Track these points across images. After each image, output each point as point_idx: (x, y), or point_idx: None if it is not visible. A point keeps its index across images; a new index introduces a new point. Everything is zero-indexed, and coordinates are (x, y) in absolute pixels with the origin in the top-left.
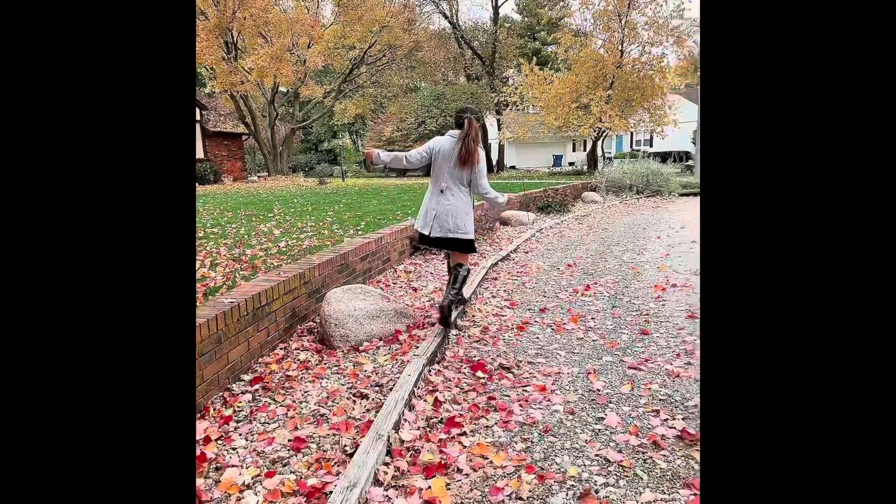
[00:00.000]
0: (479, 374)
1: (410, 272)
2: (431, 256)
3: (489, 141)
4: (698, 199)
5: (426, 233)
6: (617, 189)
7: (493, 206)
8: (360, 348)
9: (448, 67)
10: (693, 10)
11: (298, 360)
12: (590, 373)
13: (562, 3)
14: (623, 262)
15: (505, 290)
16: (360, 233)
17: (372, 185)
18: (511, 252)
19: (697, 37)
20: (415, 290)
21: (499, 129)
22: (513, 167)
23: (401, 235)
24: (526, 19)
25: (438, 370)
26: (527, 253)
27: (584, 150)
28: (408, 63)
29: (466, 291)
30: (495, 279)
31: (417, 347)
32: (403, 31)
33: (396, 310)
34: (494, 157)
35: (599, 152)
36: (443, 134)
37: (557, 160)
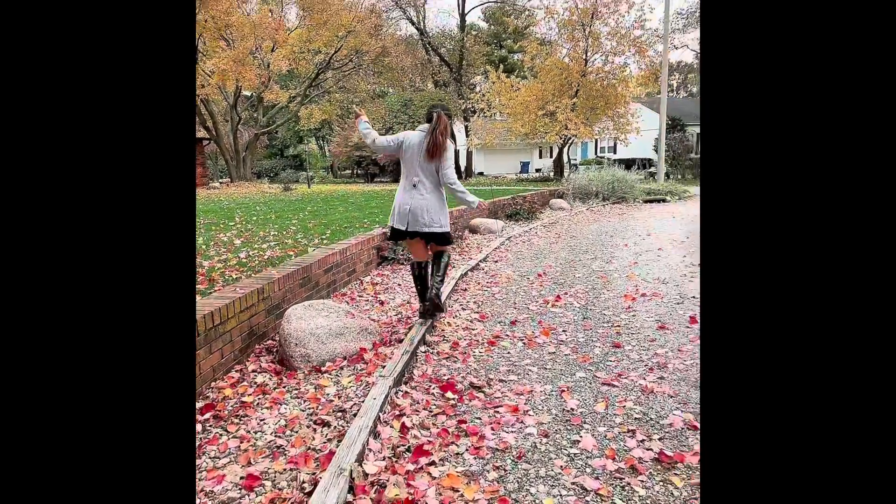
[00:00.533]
0: (449, 394)
1: (377, 284)
2: (399, 267)
3: (457, 147)
4: (662, 204)
5: (402, 227)
6: (584, 196)
7: (461, 202)
8: (323, 369)
9: (416, 73)
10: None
11: (255, 383)
12: (563, 390)
13: (527, 13)
14: (592, 271)
15: (475, 302)
16: (325, 242)
17: (339, 192)
18: (481, 261)
19: (659, 46)
20: (382, 303)
21: (467, 135)
22: (481, 173)
23: (367, 245)
24: (492, 27)
25: (406, 392)
26: (496, 262)
27: (551, 156)
28: (375, 68)
29: (445, 290)
30: (465, 290)
31: (384, 367)
32: (370, 37)
33: (362, 326)
34: (463, 163)
35: (566, 159)
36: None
37: (525, 166)
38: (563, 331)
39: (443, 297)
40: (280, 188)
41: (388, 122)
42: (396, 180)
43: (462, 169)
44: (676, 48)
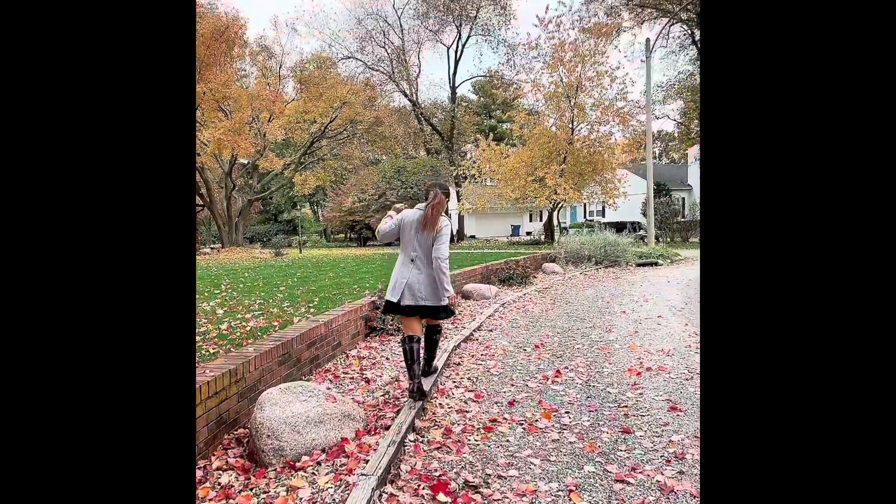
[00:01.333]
0: (441, 496)
1: (364, 358)
2: (388, 338)
3: (449, 211)
4: (654, 268)
5: (395, 300)
6: (576, 259)
7: (438, 280)
8: (298, 465)
9: (408, 142)
10: (634, 93)
11: (219, 484)
12: (571, 489)
13: (515, 86)
14: (592, 342)
15: (469, 378)
16: (312, 311)
17: (330, 257)
18: (474, 330)
19: (641, 117)
20: (368, 381)
21: (458, 200)
22: (472, 237)
23: (355, 316)
24: (481, 99)
25: (392, 494)
26: (491, 331)
27: (541, 219)
28: (368, 137)
29: (438, 358)
30: (458, 364)
31: (367, 462)
32: (364, 107)
33: (344, 412)
34: (455, 227)
35: (555, 222)
36: (415, 204)
37: (515, 230)
38: (566, 412)
39: (427, 386)
40: (271, 253)
41: (381, 187)
42: (389, 244)
43: (454, 233)
44: (658, 118)
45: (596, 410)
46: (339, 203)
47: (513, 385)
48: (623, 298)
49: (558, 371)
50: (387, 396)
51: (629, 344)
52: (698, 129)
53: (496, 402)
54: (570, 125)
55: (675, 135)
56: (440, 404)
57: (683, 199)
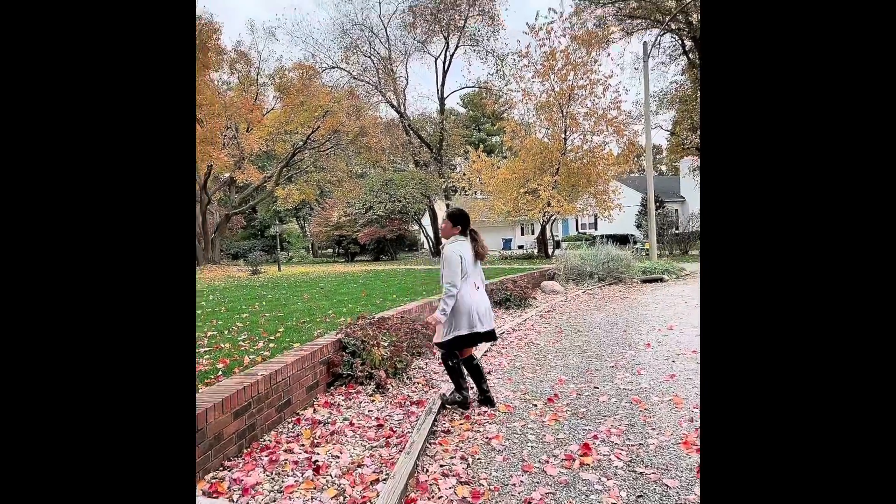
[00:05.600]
0: None
1: (320, 423)
2: (358, 389)
3: (439, 225)
4: (661, 284)
5: (482, 329)
6: (577, 277)
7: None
8: None
9: (396, 154)
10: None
11: None
12: None
13: (504, 97)
14: (619, 391)
15: (461, 457)
16: (272, 345)
17: (310, 275)
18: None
19: (635, 126)
20: (318, 468)
21: None
22: None
23: (314, 361)
24: (471, 112)
25: None
26: (489, 373)
27: (533, 233)
28: (353, 148)
29: (421, 424)
30: (448, 431)
31: None
32: (348, 117)
33: None
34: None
35: (549, 235)
36: (392, 219)
37: (507, 243)
38: None
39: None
40: (248, 271)
41: (368, 201)
42: (377, 259)
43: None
44: (652, 128)
45: None
46: (325, 217)
47: (526, 472)
48: (641, 325)
49: (586, 445)
50: (341, 500)
51: (671, 395)
52: (690, 139)
53: None
54: (563, 135)
55: (666, 147)
56: None
57: (677, 210)
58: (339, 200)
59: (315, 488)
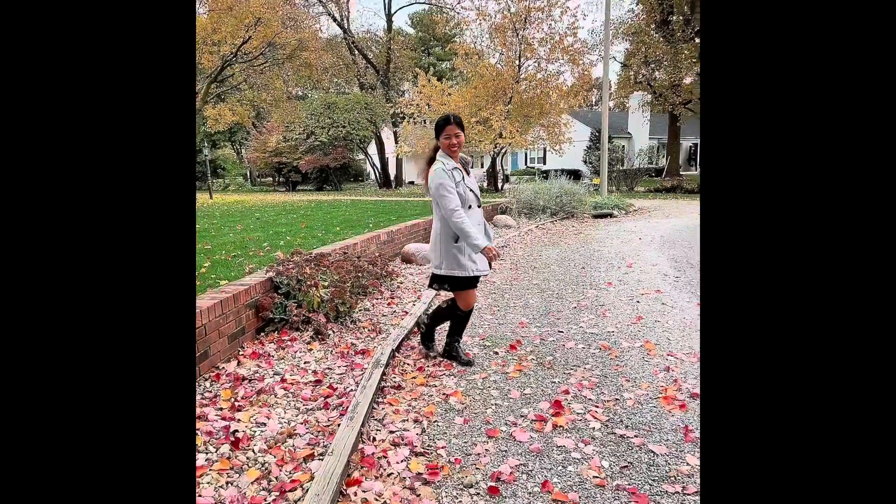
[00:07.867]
0: None
1: (245, 380)
2: (291, 337)
3: (386, 155)
4: (611, 220)
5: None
6: (530, 211)
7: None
8: None
9: (339, 75)
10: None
11: None
12: None
13: (455, 20)
14: (587, 335)
15: (415, 419)
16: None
17: (245, 204)
18: (421, 316)
19: (590, 56)
20: (237, 440)
21: (396, 142)
22: (411, 182)
23: (238, 303)
24: (420, 33)
25: None
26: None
27: (482, 167)
28: (292, 66)
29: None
30: (397, 389)
31: None
32: (284, 27)
33: None
34: (392, 171)
35: (499, 168)
36: (336, 147)
37: None
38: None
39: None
40: None
41: (309, 126)
42: (320, 189)
43: (392, 178)
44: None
45: None
46: (262, 142)
47: (491, 438)
48: (599, 262)
49: (558, 403)
50: (267, 485)
51: (641, 340)
52: (641, 73)
53: (465, 489)
54: (518, 62)
55: (616, 81)
56: (365, 500)
57: (624, 146)
58: (277, 124)
59: (232, 468)
